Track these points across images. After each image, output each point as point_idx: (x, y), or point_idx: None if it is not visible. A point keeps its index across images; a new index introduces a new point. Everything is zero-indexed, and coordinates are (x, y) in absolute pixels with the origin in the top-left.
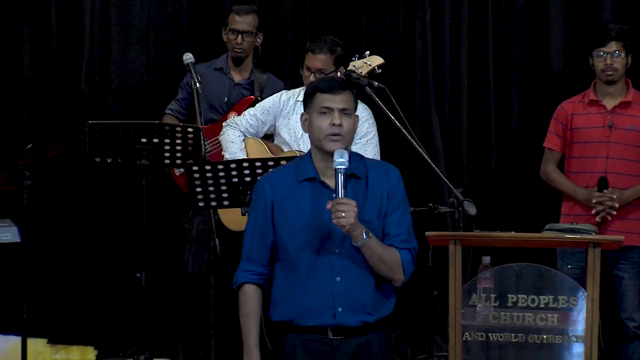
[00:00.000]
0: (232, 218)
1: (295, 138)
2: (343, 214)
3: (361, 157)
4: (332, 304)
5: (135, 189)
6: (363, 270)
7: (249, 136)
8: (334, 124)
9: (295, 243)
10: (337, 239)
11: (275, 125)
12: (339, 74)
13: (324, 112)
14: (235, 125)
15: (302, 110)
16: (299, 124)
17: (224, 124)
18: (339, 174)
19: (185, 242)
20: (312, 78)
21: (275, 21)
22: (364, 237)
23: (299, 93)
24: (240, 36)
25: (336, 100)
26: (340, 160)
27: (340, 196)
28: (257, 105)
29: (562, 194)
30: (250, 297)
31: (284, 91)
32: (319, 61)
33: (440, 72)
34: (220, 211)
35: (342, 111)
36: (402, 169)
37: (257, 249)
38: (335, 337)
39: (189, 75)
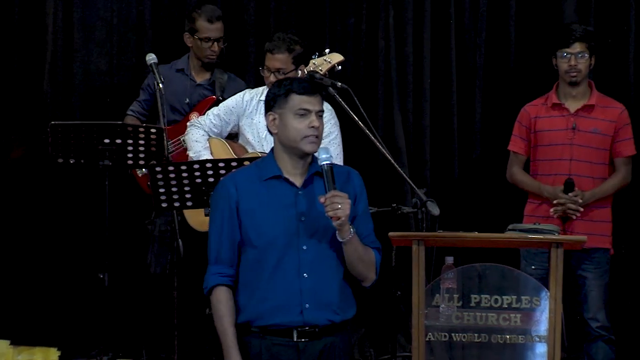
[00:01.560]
0: (200, 220)
1: (259, 138)
2: (339, 206)
3: (329, 150)
4: (299, 300)
5: (98, 189)
6: (330, 268)
7: (213, 136)
8: (312, 126)
9: (262, 240)
10: (304, 235)
11: (238, 125)
12: (299, 72)
13: (302, 114)
14: (199, 125)
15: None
16: (262, 124)
17: (188, 123)
18: (326, 170)
19: (148, 243)
20: (272, 78)
21: (238, 21)
22: (351, 232)
23: (262, 92)
24: (215, 44)
25: (313, 103)
26: (325, 156)
27: (330, 189)
28: (220, 105)
29: (528, 195)
30: (222, 298)
31: (247, 90)
32: (277, 61)
33: (403, 72)
34: (187, 213)
35: (318, 113)
36: (365, 170)
37: (226, 251)
38: (300, 340)
39: (150, 77)
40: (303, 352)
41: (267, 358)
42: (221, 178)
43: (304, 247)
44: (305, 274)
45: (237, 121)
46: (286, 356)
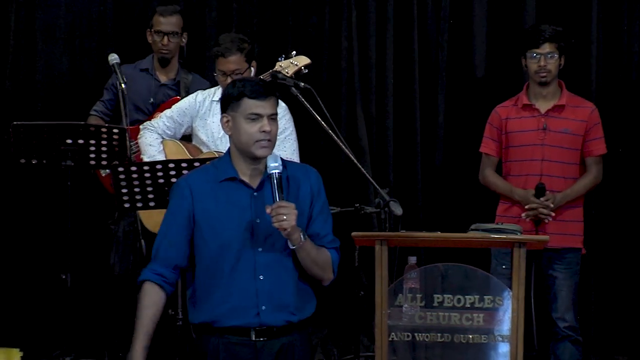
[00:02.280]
0: (156, 221)
1: (213, 139)
2: (284, 217)
3: (279, 158)
4: (255, 302)
5: (61, 190)
6: (286, 269)
7: (167, 138)
8: (264, 131)
9: (218, 242)
10: (259, 237)
11: (192, 126)
12: (252, 70)
13: (254, 119)
14: (152, 128)
15: (218, 111)
16: (216, 124)
17: (141, 127)
18: (274, 179)
19: (111, 244)
20: (228, 80)
21: (200, 22)
22: (302, 238)
23: (214, 93)
24: (166, 37)
25: (265, 107)
26: (274, 164)
27: (278, 199)
28: (173, 106)
29: (500, 195)
30: (146, 293)
31: (199, 91)
32: (231, 63)
33: (366, 72)
34: (142, 215)
35: (270, 117)
36: (328, 170)
37: (165, 250)
38: (258, 339)
39: (114, 76)
40: (261, 351)
41: (225, 356)
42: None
43: (260, 249)
44: (261, 276)
45: (190, 122)
46: (244, 355)
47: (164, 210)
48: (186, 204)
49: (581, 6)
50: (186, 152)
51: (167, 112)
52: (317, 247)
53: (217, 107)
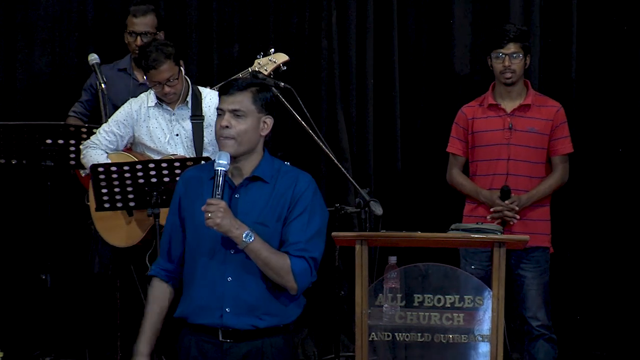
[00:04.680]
0: (119, 236)
1: (161, 143)
2: (209, 215)
3: (277, 162)
4: (220, 304)
5: (41, 190)
6: (256, 273)
7: (110, 152)
8: (221, 126)
9: (196, 238)
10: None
11: (134, 135)
12: (182, 69)
13: (220, 114)
14: (94, 145)
15: (157, 116)
16: (159, 129)
17: (81, 146)
18: (217, 176)
19: (90, 243)
20: (167, 89)
21: (180, 21)
22: (244, 239)
23: (147, 99)
24: (139, 38)
25: (227, 102)
26: (219, 162)
27: (213, 197)
28: (109, 120)
29: (466, 196)
30: (151, 287)
31: (132, 100)
32: (164, 72)
33: (346, 72)
34: (103, 232)
35: (233, 112)
36: (309, 170)
37: (166, 244)
38: (224, 340)
39: (93, 77)
40: (227, 353)
41: (195, 354)
42: (165, 178)
43: (231, 251)
44: (229, 278)
45: (131, 132)
46: (212, 354)
47: (121, 224)
48: (178, 197)
49: (563, 5)
50: (135, 160)
51: (105, 126)
52: (272, 251)
53: (154, 112)
